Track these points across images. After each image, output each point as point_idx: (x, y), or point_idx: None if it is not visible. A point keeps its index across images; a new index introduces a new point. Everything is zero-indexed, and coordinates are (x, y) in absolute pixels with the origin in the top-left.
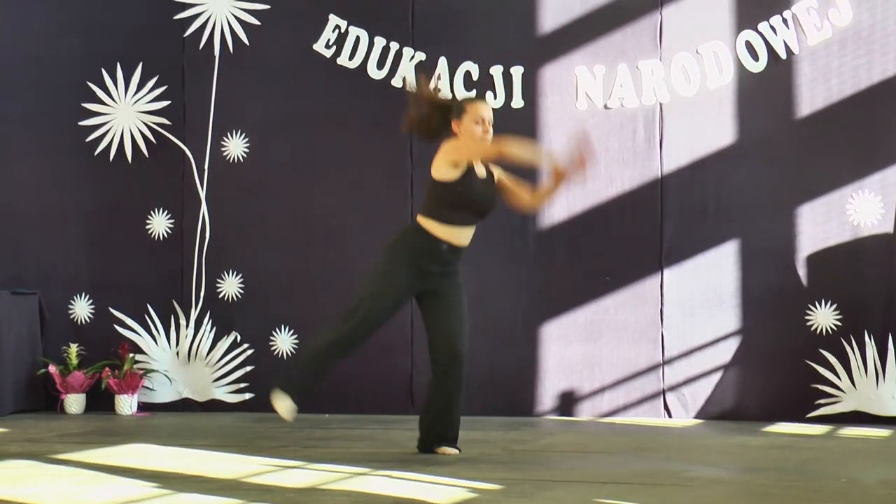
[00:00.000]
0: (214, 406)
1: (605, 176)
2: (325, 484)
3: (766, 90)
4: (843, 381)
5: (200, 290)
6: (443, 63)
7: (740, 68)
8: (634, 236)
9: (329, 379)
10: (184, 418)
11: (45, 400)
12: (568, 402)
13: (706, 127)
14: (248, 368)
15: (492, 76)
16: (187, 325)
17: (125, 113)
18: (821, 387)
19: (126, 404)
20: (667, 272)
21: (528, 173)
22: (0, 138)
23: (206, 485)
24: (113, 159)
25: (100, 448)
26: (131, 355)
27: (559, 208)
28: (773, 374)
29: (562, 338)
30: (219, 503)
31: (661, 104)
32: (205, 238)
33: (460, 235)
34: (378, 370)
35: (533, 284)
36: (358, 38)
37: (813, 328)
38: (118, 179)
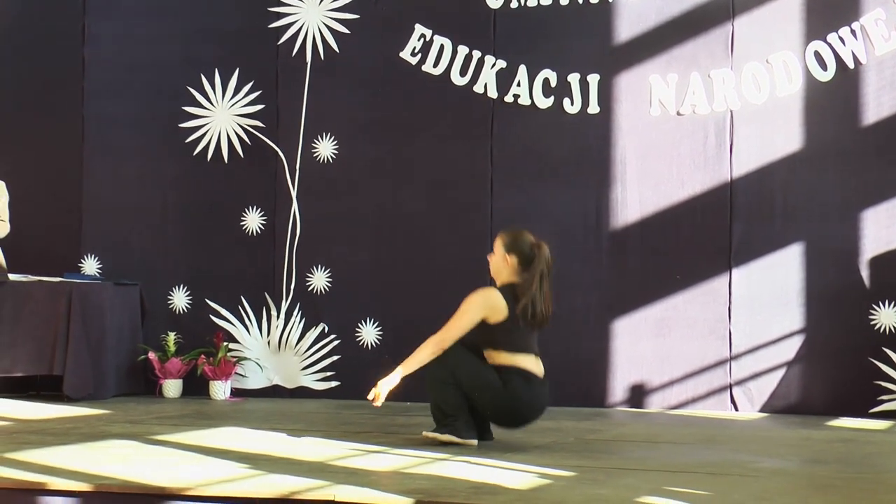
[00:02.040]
0: (302, 393)
1: (677, 179)
2: (407, 468)
3: (834, 98)
4: None
5: (291, 284)
6: (522, 71)
7: (809, 77)
8: (704, 237)
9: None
10: (273, 404)
11: (144, 384)
12: (638, 394)
13: (775, 133)
14: (335, 358)
15: (569, 83)
16: (278, 317)
17: (222, 116)
18: (883, 384)
19: (220, 390)
20: (735, 271)
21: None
22: (107, 139)
23: (294, 466)
24: (210, 159)
25: (195, 430)
26: (225, 344)
27: (632, 210)
28: (837, 370)
29: (633, 333)
30: (306, 484)
31: (731, 111)
32: (295, 234)
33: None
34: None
35: (606, 281)
36: (442, 47)
37: (876, 327)
38: (215, 179)
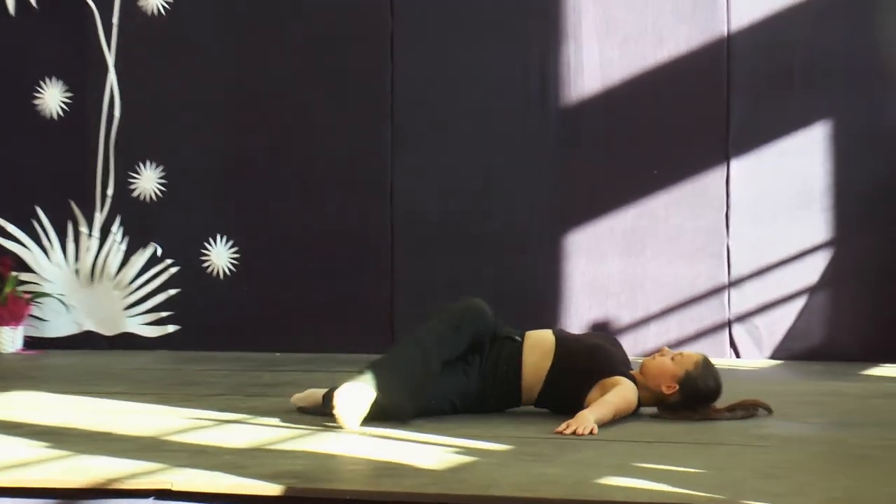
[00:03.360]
0: (127, 342)
1: (654, 33)
2: (276, 443)
3: None
4: None
5: (107, 188)
6: None
7: None
8: (691, 115)
9: (284, 308)
10: (86, 358)
11: None
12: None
13: None
14: (172, 292)
15: None
16: (90, 235)
17: None
18: None
19: (8, 339)
20: (735, 164)
21: None
22: None
23: (117, 444)
24: None
25: None
26: (14, 274)
27: (591, 78)
28: (875, 300)
29: (594, 251)
30: (131, 468)
31: None
32: (113, 118)
33: None
34: (348, 298)
35: (556, 180)
36: None
37: None
38: None
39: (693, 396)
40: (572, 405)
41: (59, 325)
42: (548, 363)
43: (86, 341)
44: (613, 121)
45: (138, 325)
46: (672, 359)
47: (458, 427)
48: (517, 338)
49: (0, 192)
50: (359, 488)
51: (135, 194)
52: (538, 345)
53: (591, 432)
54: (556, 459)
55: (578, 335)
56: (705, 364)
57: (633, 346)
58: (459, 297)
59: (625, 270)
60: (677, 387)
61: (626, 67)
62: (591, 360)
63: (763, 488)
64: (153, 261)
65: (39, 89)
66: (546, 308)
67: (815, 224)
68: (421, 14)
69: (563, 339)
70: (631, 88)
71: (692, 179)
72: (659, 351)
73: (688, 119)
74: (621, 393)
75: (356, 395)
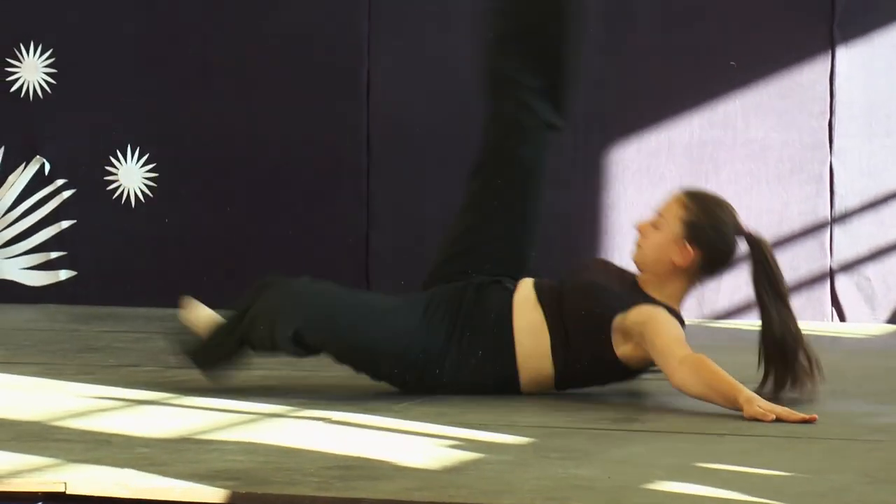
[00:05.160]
0: (2, 292)
1: None
2: (209, 432)
3: None
4: None
5: None
6: None
7: None
8: None
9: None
10: None
11: None
12: None
13: None
14: (66, 224)
15: None
16: None
17: None
18: None
19: None
20: (842, 53)
21: None
22: None
23: None
24: None
25: None
26: None
27: None
28: None
29: (646, 173)
30: (16, 464)
31: None
32: None
33: None
34: (308, 233)
35: (589, 74)
36: None
37: None
38: None
39: (718, 247)
40: (597, 373)
41: None
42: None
43: None
44: None
45: (17, 270)
46: (655, 226)
47: (460, 412)
48: (509, 285)
49: None
50: (322, 494)
51: (13, 89)
52: (525, 303)
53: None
54: (593, 457)
55: (556, 282)
56: (693, 197)
57: (700, 304)
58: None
59: None
60: (690, 245)
61: None
62: (591, 306)
63: (874, 497)
64: (39, 180)
65: None
66: (580, 253)
67: None
68: None
69: (544, 294)
70: None
71: (782, 74)
72: (636, 236)
73: None
74: (657, 327)
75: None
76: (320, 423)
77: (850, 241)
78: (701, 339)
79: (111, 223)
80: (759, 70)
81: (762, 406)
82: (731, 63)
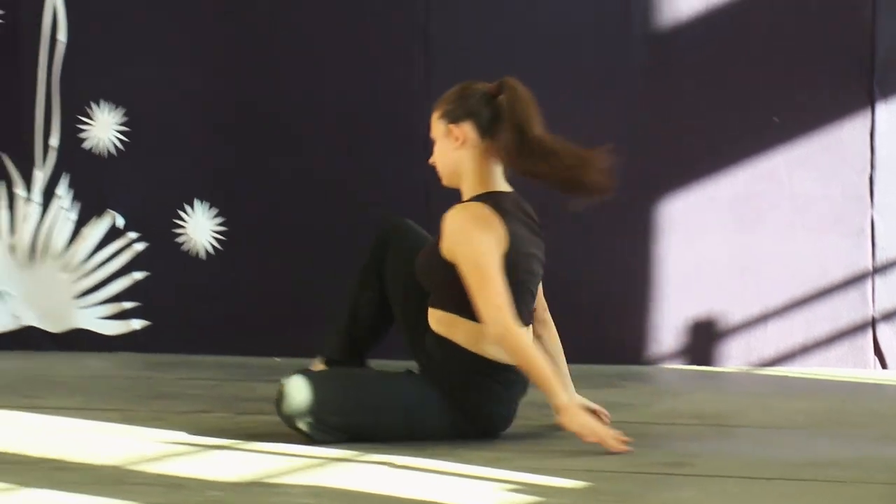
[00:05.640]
0: (79, 341)
1: None
2: (276, 476)
3: None
4: None
5: (50, 137)
6: None
7: None
8: (823, 43)
9: (285, 300)
10: (26, 361)
11: None
12: (704, 338)
13: None
14: (138, 276)
15: None
16: (29, 197)
17: None
18: None
19: None
20: (882, 109)
21: None
22: None
23: (69, 475)
24: None
25: None
26: None
27: None
28: None
29: (691, 226)
30: None
31: None
32: (57, 44)
33: None
34: None
35: (639, 127)
36: None
37: None
38: None
39: (475, 107)
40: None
41: None
42: None
43: (26, 340)
44: (718, 50)
45: (94, 320)
46: (434, 150)
47: (516, 457)
48: None
49: None
50: None
51: (87, 146)
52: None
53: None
54: (645, 500)
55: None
56: (439, 99)
57: (747, 352)
58: None
59: (735, 252)
60: (455, 125)
61: None
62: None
63: None
64: (112, 234)
65: None
66: (630, 304)
67: None
68: None
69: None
70: (742, 6)
71: (824, 130)
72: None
73: (818, 48)
74: (456, 253)
75: None
76: (384, 467)
77: (891, 290)
78: (748, 386)
79: (181, 275)
80: (802, 126)
81: (582, 424)
82: (774, 119)
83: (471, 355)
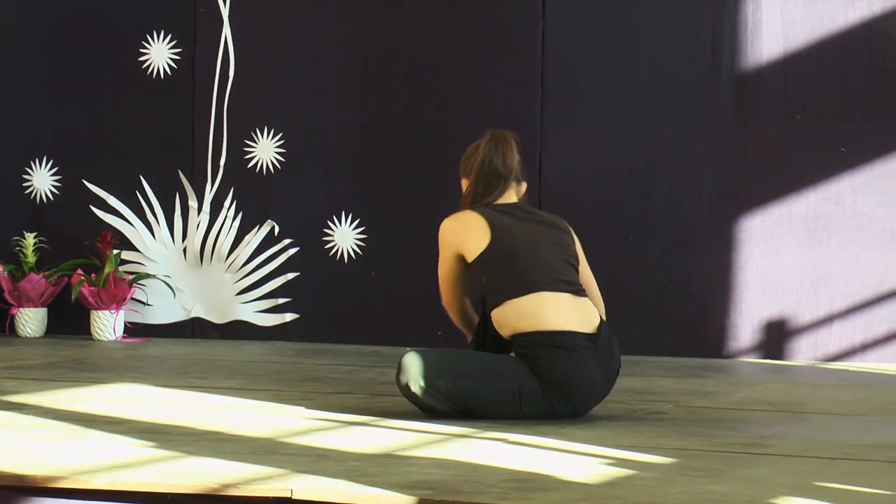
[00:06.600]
0: (239, 331)
1: None
2: (407, 449)
3: None
4: None
5: (220, 157)
6: None
7: None
8: (886, 84)
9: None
10: (193, 347)
11: None
12: (777, 336)
13: None
14: (291, 276)
15: None
16: (200, 210)
17: None
18: None
19: (107, 325)
20: None
21: None
22: None
23: (228, 445)
24: None
25: (69, 388)
26: (115, 252)
27: (771, 40)
28: None
29: (769, 240)
30: (247, 473)
31: None
32: (227, 78)
33: None
34: None
35: (726, 158)
36: None
37: None
38: None
39: (466, 164)
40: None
41: (163, 310)
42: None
43: (194, 329)
44: (795, 90)
45: (252, 313)
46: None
47: (615, 436)
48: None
49: (100, 159)
50: (502, 503)
51: (250, 165)
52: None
53: None
54: (726, 476)
55: None
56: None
57: (814, 349)
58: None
59: (805, 263)
60: (463, 177)
61: (811, 28)
62: None
63: None
64: (270, 240)
65: (145, 45)
66: (714, 305)
67: None
68: None
69: None
70: (817, 52)
71: (886, 158)
72: None
73: (881, 88)
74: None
75: None
76: (499, 443)
77: None
78: (815, 378)
79: (328, 275)
80: (865, 154)
81: None
82: (842, 149)
83: (516, 335)
